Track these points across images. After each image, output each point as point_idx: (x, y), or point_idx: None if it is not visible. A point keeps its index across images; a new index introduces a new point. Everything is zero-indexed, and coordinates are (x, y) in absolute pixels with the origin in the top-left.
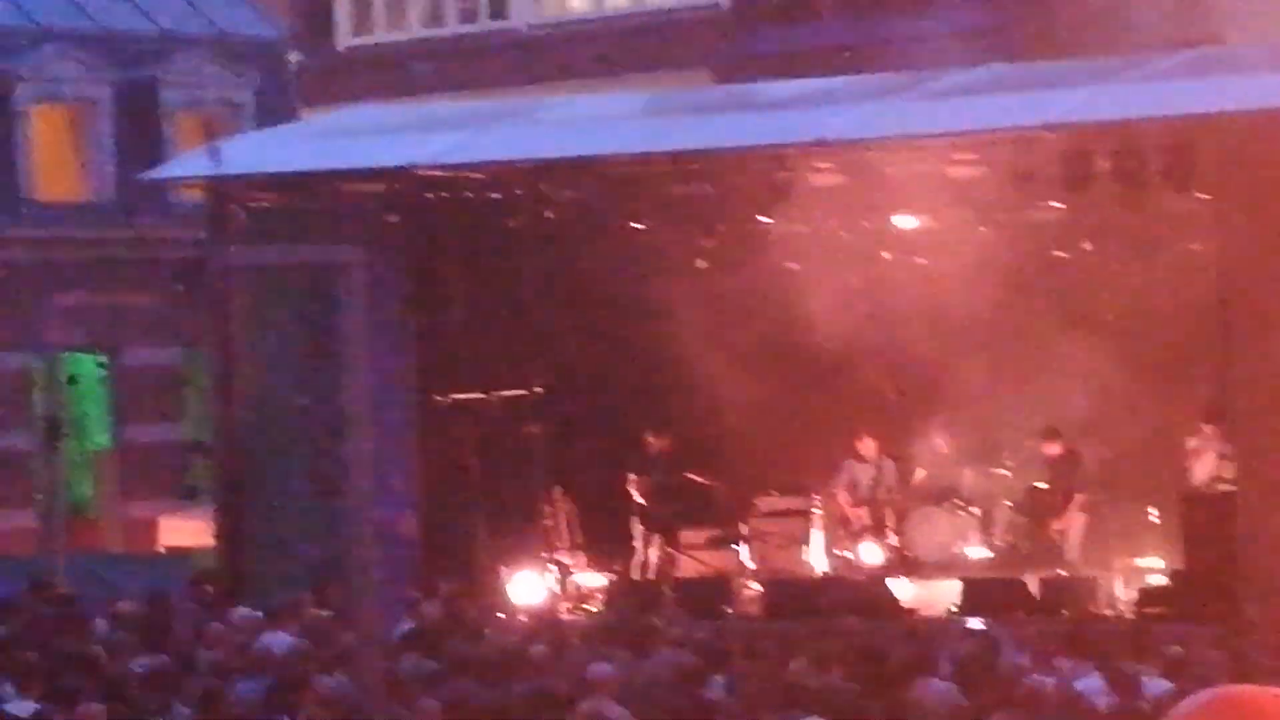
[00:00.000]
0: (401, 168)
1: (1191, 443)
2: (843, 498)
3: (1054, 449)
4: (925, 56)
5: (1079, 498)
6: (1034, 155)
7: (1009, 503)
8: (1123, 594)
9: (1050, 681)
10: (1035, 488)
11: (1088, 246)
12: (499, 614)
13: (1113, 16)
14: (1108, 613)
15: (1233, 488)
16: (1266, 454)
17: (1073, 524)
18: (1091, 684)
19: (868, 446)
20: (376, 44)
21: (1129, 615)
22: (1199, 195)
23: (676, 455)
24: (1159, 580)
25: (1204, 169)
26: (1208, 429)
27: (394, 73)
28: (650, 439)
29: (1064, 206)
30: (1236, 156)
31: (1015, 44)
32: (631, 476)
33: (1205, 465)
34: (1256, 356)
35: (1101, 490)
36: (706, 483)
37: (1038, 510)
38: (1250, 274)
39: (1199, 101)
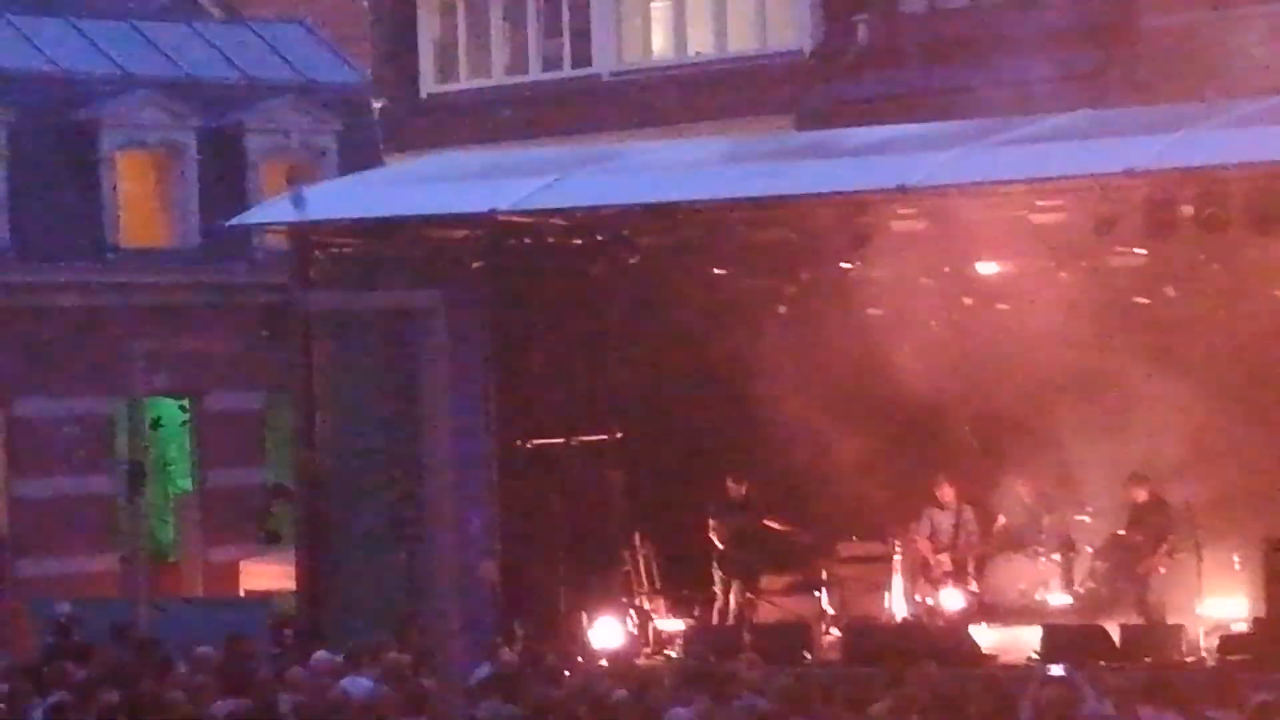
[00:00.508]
0: (484, 214)
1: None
2: (923, 544)
3: (1141, 494)
4: (1009, 102)
5: (1166, 544)
6: (1117, 201)
7: (1090, 549)
8: (1205, 641)
9: None
10: (1118, 534)
11: (1171, 292)
12: (579, 659)
13: (1200, 62)
14: (1190, 660)
15: None
16: None
17: (1158, 569)
18: None
19: (947, 493)
20: (460, 90)
21: (1211, 662)
22: None
23: (757, 500)
24: (1242, 627)
25: None
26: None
27: (477, 119)
28: (731, 484)
29: (1147, 252)
30: None
31: (1102, 90)
32: (712, 521)
33: None
34: None
35: (1188, 536)
36: (785, 528)
37: (1120, 556)
38: None
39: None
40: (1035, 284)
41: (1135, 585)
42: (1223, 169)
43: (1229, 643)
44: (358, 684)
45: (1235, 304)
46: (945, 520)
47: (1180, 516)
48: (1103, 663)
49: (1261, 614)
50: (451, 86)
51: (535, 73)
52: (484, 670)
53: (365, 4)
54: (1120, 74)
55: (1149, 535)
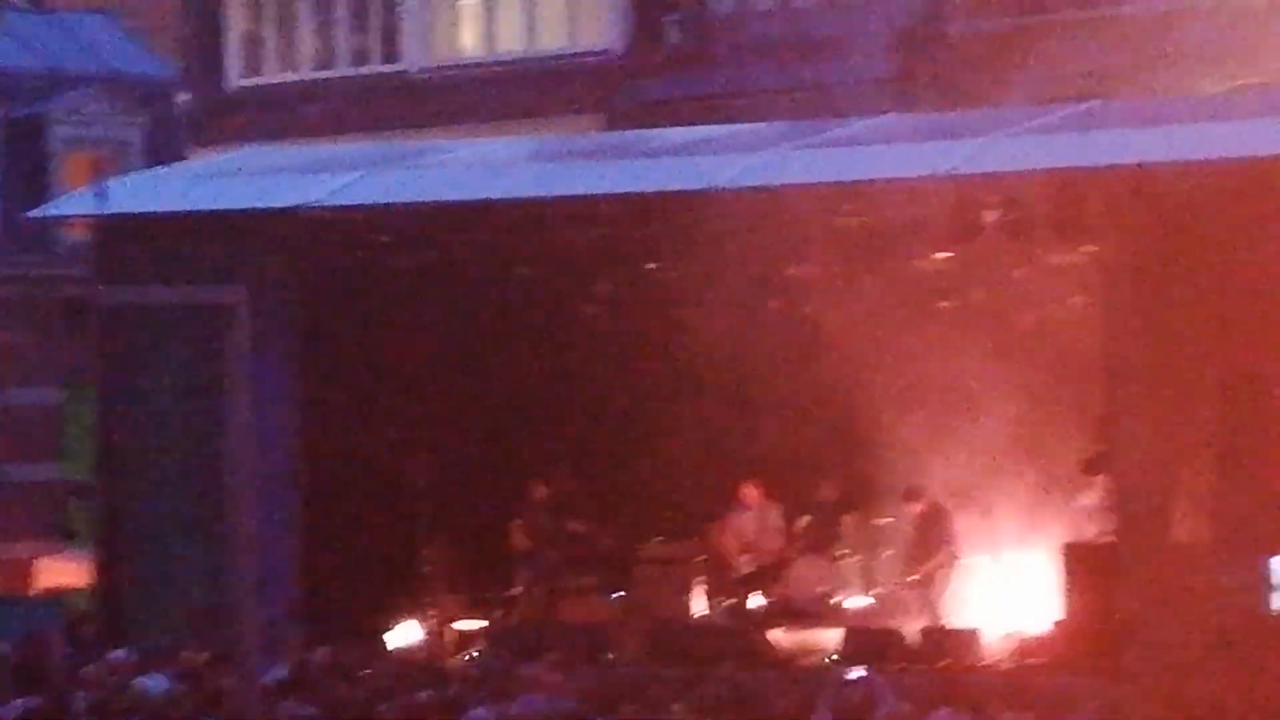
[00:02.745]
0: (289, 209)
1: (1084, 498)
2: (726, 545)
3: (915, 509)
4: (818, 105)
5: (941, 553)
6: (923, 206)
7: (889, 552)
8: (1002, 644)
9: None
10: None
11: (977, 297)
12: (379, 659)
13: (1006, 69)
14: (987, 663)
15: (1113, 539)
16: (1148, 506)
17: (935, 578)
18: None
19: (751, 494)
20: (266, 85)
21: (1008, 665)
22: (1085, 249)
23: (560, 502)
24: (1039, 630)
25: (1090, 222)
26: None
27: (284, 114)
28: (534, 485)
29: (952, 256)
30: (1122, 210)
31: (909, 94)
32: (514, 523)
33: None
34: (1139, 410)
35: (981, 542)
36: (587, 531)
37: (908, 562)
38: (1134, 328)
39: (1085, 155)
40: (842, 286)
41: (922, 590)
42: (1027, 175)
43: (1026, 646)
44: (154, 682)
45: (1039, 309)
46: (749, 521)
47: (971, 523)
48: (901, 665)
49: (1058, 618)
50: (258, 81)
51: (343, 68)
52: (282, 670)
53: None
54: (927, 79)
55: (929, 544)
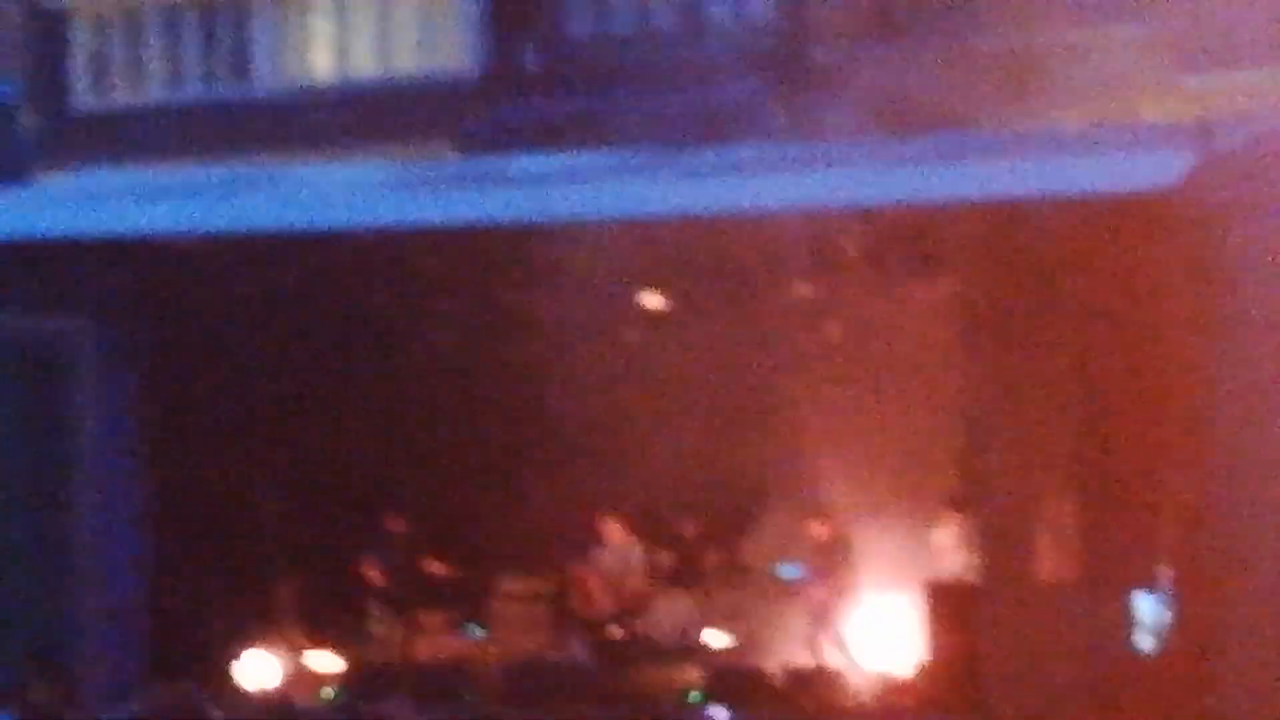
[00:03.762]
0: (135, 235)
1: (945, 536)
2: (589, 581)
3: (822, 532)
4: (677, 131)
5: (843, 583)
6: (782, 236)
7: (759, 587)
8: (866, 685)
9: None
10: (785, 575)
11: (834, 331)
12: (229, 697)
13: (867, 96)
14: (850, 705)
15: (975, 578)
16: (1011, 546)
17: (831, 607)
18: None
19: (613, 530)
20: (115, 106)
21: (872, 707)
22: (944, 282)
23: (415, 537)
24: (903, 671)
25: (949, 256)
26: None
27: (132, 136)
28: (387, 520)
29: (811, 288)
30: (981, 244)
31: (772, 122)
32: (367, 558)
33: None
34: (1000, 446)
35: (850, 579)
36: (443, 572)
37: (790, 597)
38: (994, 363)
39: (944, 188)
40: (700, 319)
41: (810, 626)
42: (886, 207)
43: (890, 687)
44: None
45: (897, 343)
46: (610, 557)
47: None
48: (764, 704)
49: (922, 659)
50: (106, 102)
51: (193, 91)
52: (129, 707)
53: (16, 15)
54: (786, 107)
55: (828, 574)
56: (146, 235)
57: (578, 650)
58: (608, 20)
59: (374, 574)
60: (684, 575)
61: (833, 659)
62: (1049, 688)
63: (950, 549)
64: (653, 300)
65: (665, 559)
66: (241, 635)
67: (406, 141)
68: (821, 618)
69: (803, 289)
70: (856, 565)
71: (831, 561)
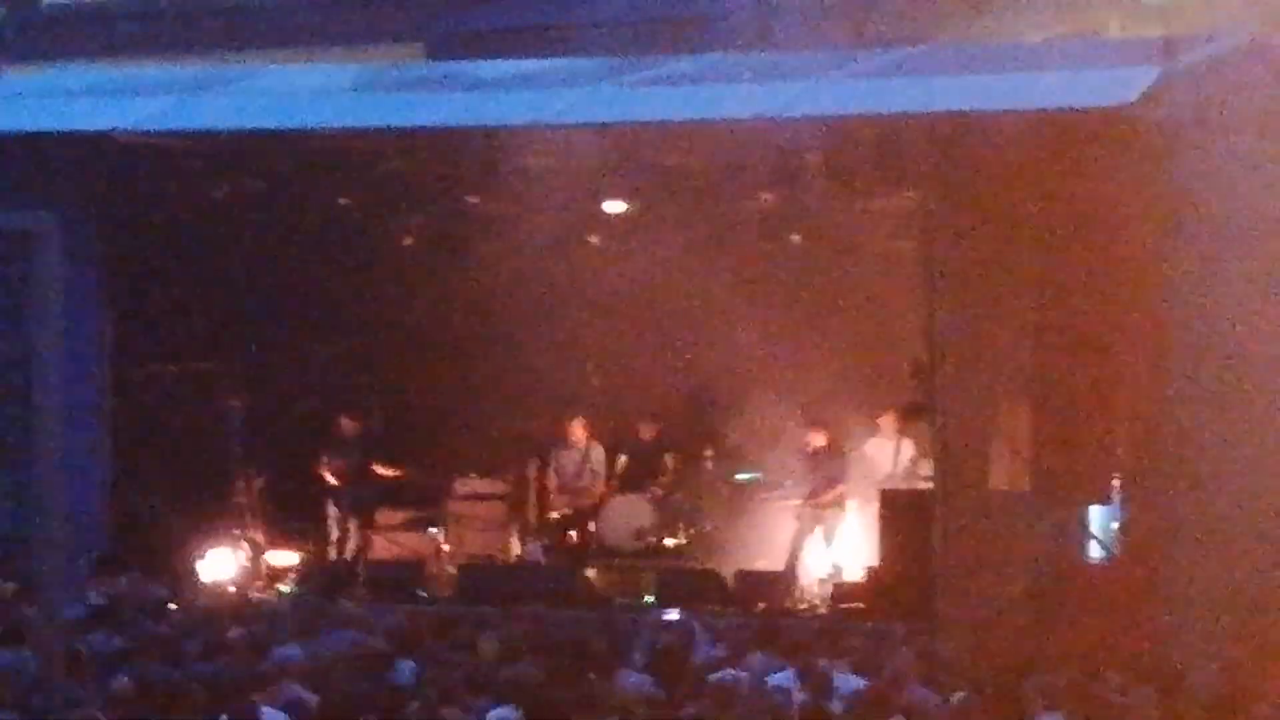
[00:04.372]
0: (103, 133)
1: (902, 445)
2: (547, 482)
3: (819, 439)
4: (643, 41)
5: (836, 490)
6: (747, 146)
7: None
8: (818, 589)
9: (744, 676)
10: (743, 478)
11: (797, 241)
12: (188, 592)
13: (831, 9)
14: (803, 608)
15: (930, 487)
16: (966, 454)
17: (828, 515)
18: (784, 678)
19: (576, 431)
20: (81, 3)
21: (824, 611)
22: (906, 195)
23: (372, 438)
24: (855, 577)
25: (911, 169)
26: (885, 426)
27: (99, 33)
28: (345, 420)
29: (774, 198)
30: (943, 157)
31: (734, 34)
32: (323, 458)
33: (893, 462)
34: (959, 359)
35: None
36: (396, 473)
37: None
38: (954, 276)
39: (906, 100)
40: (663, 225)
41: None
42: (848, 119)
43: (841, 592)
44: None
45: (860, 255)
46: (572, 458)
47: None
48: (716, 608)
49: (874, 563)
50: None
51: None
52: (88, 602)
53: None
54: (754, 20)
55: (823, 481)
56: (114, 132)
57: (532, 551)
58: None
59: (331, 475)
60: (642, 479)
61: (789, 563)
62: (999, 596)
63: (907, 458)
64: (616, 206)
65: (624, 463)
66: (201, 533)
67: (376, 44)
68: (836, 518)
69: (765, 199)
70: (836, 473)
71: (829, 468)
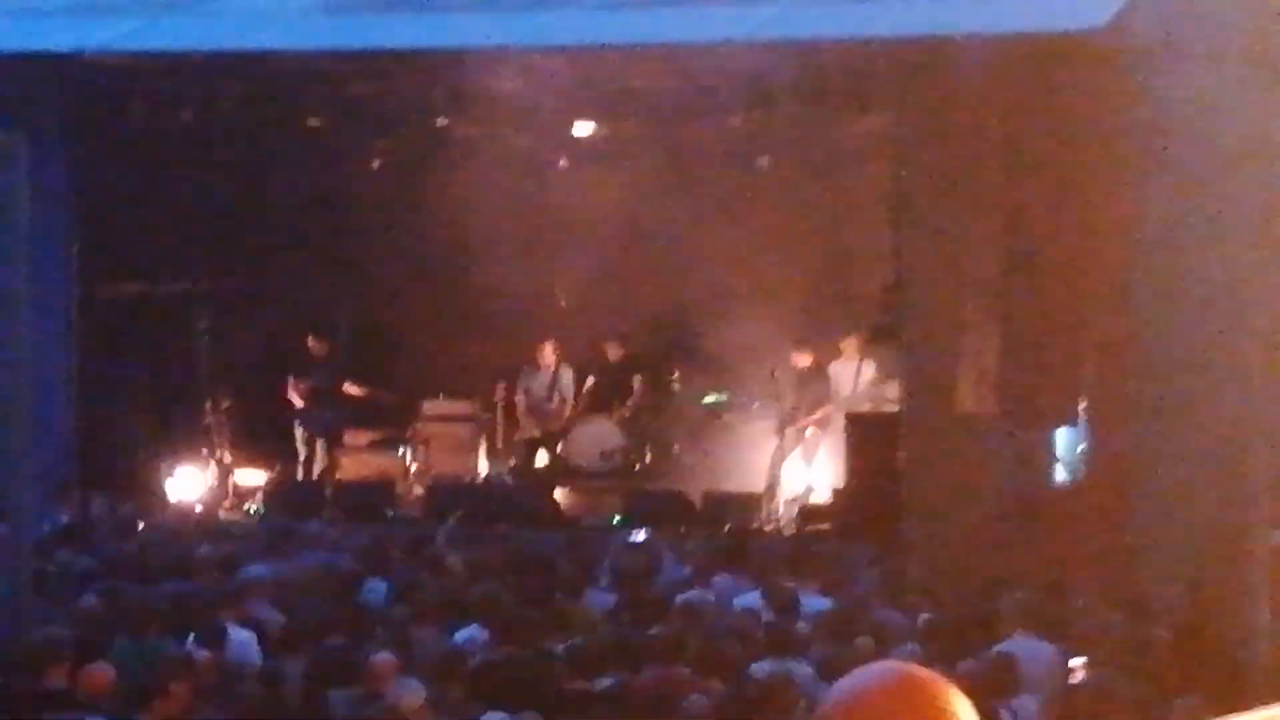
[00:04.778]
0: (69, 53)
1: (867, 368)
2: (517, 402)
3: (805, 359)
4: None
5: (824, 408)
6: (716, 69)
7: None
8: (784, 510)
9: (710, 596)
10: (710, 400)
11: (766, 165)
12: (157, 512)
13: None
14: (769, 528)
15: (897, 409)
16: (932, 378)
17: (815, 435)
18: (751, 600)
19: (546, 353)
20: None
21: (790, 532)
22: (875, 118)
23: (339, 359)
24: (821, 498)
25: (880, 92)
26: (847, 349)
27: None
28: (312, 341)
29: (743, 121)
30: (912, 81)
31: None
32: (290, 379)
33: (853, 384)
34: (926, 282)
35: (773, 407)
36: (365, 393)
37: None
38: (922, 200)
39: (881, 24)
40: (632, 147)
41: (798, 446)
42: (820, 42)
43: (808, 513)
44: None
45: (828, 178)
46: (540, 380)
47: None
48: (683, 528)
49: (840, 485)
50: None
51: None
52: (57, 521)
53: None
54: None
55: (807, 401)
56: (82, 52)
57: (500, 471)
58: None
59: (298, 395)
60: (610, 400)
61: (768, 483)
62: (965, 518)
63: (873, 381)
64: (585, 129)
65: (590, 384)
66: (169, 453)
67: None
68: (819, 437)
69: (733, 122)
70: (821, 392)
71: (815, 389)
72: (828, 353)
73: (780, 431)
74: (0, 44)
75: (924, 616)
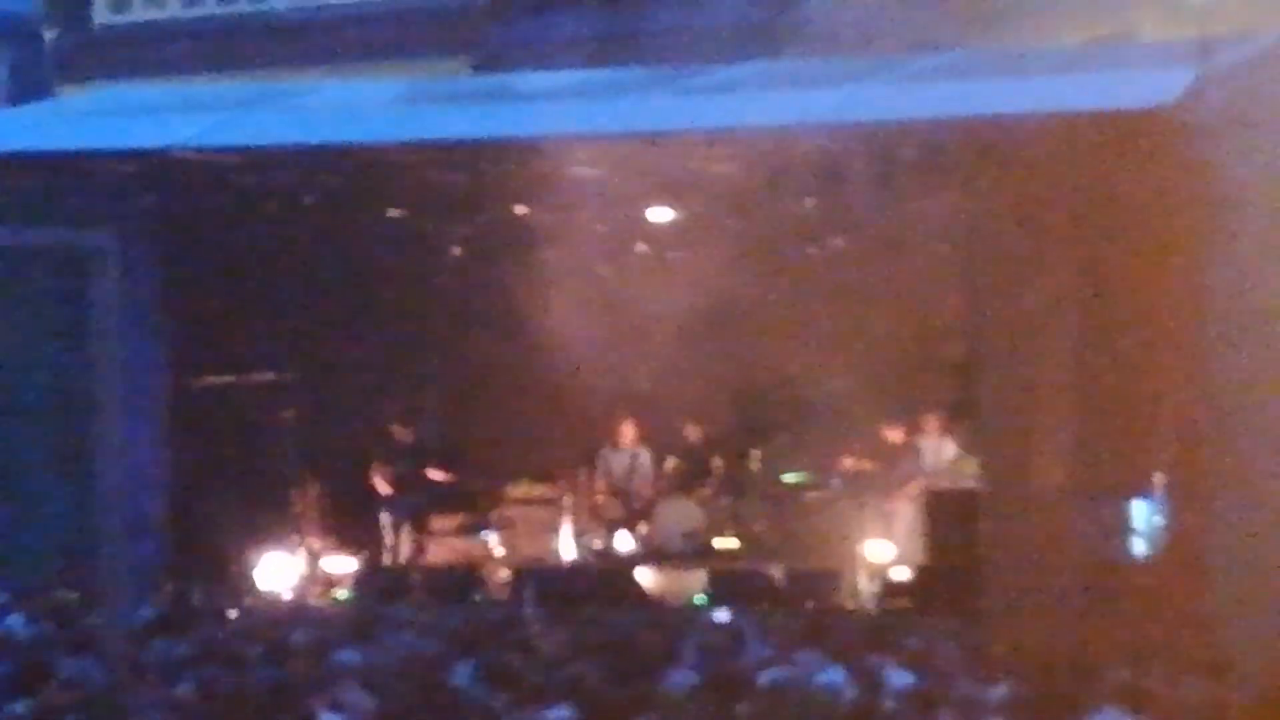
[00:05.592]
0: (158, 149)
1: (946, 445)
2: (596, 486)
3: (898, 435)
4: (686, 51)
5: (912, 485)
6: (789, 153)
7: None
8: (866, 588)
9: (794, 674)
10: (790, 479)
11: (840, 245)
12: (247, 600)
13: (872, 18)
14: (851, 606)
15: (974, 486)
16: (1010, 454)
17: (902, 509)
18: (835, 676)
19: (625, 434)
20: (134, 22)
21: (872, 609)
22: (949, 199)
23: (424, 446)
24: (902, 574)
25: (954, 172)
26: (930, 427)
27: (152, 52)
28: (397, 429)
29: (817, 203)
30: (985, 161)
31: (780, 40)
32: (376, 466)
33: (934, 461)
34: (1001, 358)
35: (854, 485)
36: (449, 479)
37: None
38: (995, 277)
39: (951, 105)
40: (708, 232)
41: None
42: (893, 125)
43: (890, 589)
44: (21, 622)
45: (902, 258)
46: (620, 461)
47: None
48: (766, 606)
49: (923, 562)
50: (125, 18)
51: (211, 6)
52: (151, 610)
53: None
54: (794, 26)
55: (895, 477)
56: (169, 149)
57: (584, 553)
58: None
59: (384, 481)
60: (691, 481)
61: (838, 563)
62: (1043, 592)
63: (950, 458)
64: (661, 214)
65: (673, 465)
66: (260, 541)
67: (423, 59)
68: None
69: (807, 204)
70: (912, 467)
71: (910, 462)
72: (913, 429)
73: (862, 508)
74: (90, 142)
75: (1007, 691)
